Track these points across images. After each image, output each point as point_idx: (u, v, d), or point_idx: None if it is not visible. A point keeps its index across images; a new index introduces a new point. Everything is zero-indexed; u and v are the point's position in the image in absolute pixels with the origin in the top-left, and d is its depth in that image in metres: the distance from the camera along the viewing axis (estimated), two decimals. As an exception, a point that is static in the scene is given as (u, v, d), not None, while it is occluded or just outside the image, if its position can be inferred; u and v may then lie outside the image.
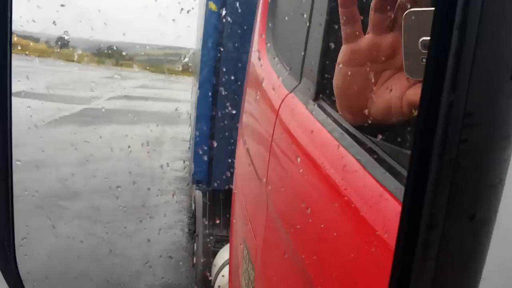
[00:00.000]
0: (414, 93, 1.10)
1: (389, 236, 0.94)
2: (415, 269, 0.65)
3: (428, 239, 0.66)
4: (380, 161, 1.11)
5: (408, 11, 1.05)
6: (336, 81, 1.28)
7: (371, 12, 1.17)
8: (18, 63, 2.13)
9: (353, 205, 1.12)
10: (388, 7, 1.14)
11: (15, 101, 1.53)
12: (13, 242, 1.63)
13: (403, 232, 0.67)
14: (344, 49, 1.24)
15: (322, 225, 1.27)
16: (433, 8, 0.98)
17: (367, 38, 1.20)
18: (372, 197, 1.06)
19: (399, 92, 1.14)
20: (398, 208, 0.95)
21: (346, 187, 1.18)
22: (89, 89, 24.14)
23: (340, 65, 1.25)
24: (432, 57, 0.66)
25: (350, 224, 1.13)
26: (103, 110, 19.91)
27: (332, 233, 1.21)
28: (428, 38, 0.95)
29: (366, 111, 1.21)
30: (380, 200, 1.02)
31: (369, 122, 1.22)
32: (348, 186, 1.17)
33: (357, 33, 1.21)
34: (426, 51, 0.96)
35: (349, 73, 1.23)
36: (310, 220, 1.35)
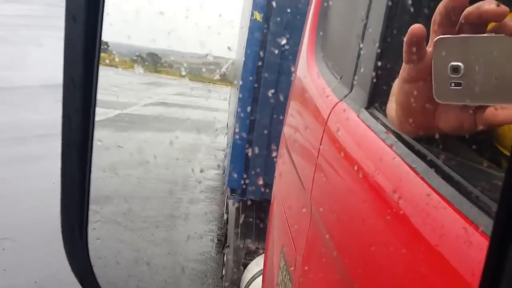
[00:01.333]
0: (492, 114, 1.06)
1: (446, 249, 0.90)
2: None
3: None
4: (438, 169, 1.07)
5: (438, 37, 1.09)
6: (398, 98, 1.24)
7: (434, 27, 1.13)
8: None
9: (407, 217, 1.07)
10: (452, 23, 1.10)
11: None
12: (86, 226, 1.60)
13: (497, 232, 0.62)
14: (407, 67, 1.20)
15: (373, 238, 1.23)
16: (463, 35, 1.07)
17: (431, 54, 1.15)
18: (428, 207, 1.02)
19: (472, 108, 1.10)
20: (457, 218, 0.91)
21: (400, 198, 1.14)
22: (126, 94, 24.40)
23: (402, 83, 1.21)
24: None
25: (403, 237, 1.09)
26: (139, 116, 20.09)
27: (384, 247, 1.16)
28: (457, 63, 1.05)
29: (432, 126, 1.18)
30: (437, 210, 0.98)
31: (434, 135, 1.19)
32: (403, 196, 1.13)
33: (422, 56, 1.16)
34: (455, 76, 1.06)
35: (413, 90, 1.19)
36: (360, 233, 1.31)
